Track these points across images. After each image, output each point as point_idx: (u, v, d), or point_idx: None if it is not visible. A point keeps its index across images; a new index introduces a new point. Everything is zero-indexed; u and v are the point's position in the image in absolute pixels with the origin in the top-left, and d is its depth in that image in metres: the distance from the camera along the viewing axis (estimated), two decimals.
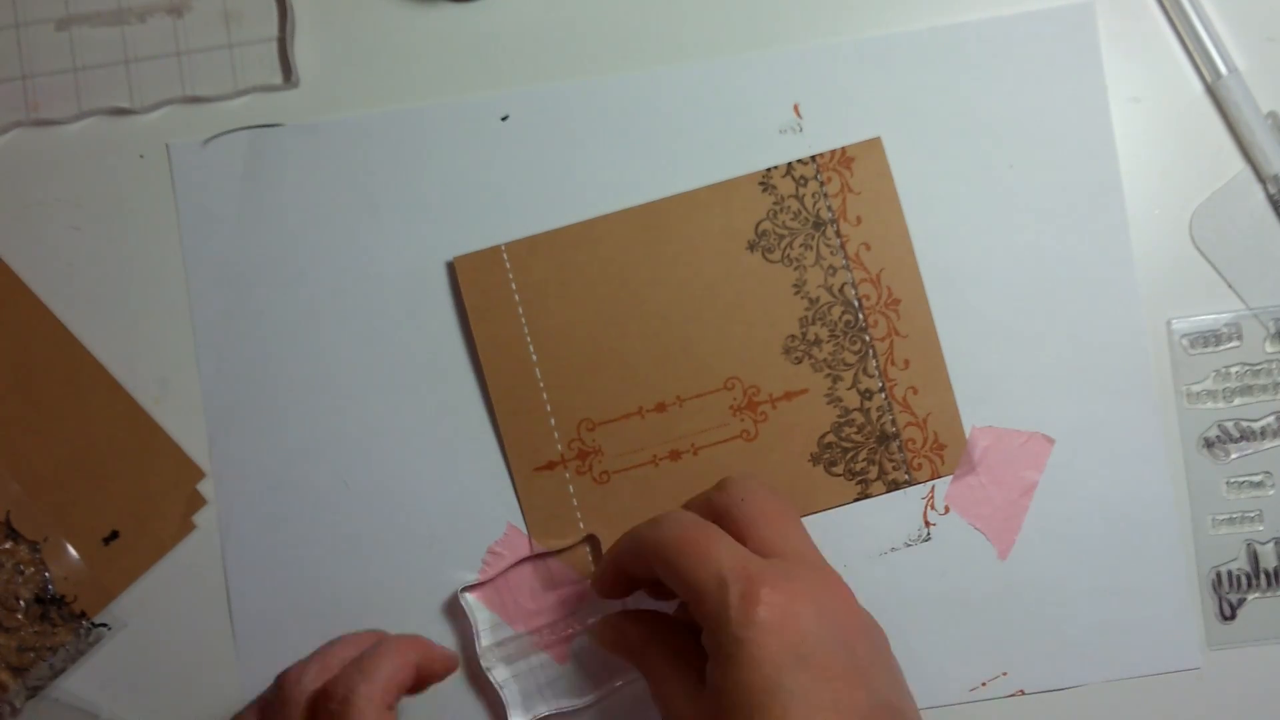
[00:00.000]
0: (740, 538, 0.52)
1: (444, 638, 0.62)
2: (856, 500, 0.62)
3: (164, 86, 0.64)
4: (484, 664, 0.61)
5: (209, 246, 0.64)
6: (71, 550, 0.62)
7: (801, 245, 0.63)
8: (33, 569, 0.62)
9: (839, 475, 0.62)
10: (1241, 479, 0.62)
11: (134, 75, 0.64)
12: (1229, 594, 0.62)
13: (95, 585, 0.62)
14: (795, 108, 0.64)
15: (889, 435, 0.62)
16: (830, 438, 0.62)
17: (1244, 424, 0.63)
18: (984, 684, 0.62)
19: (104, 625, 0.62)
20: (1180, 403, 0.63)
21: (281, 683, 0.53)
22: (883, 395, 0.62)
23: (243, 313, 0.64)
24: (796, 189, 0.63)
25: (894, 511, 0.63)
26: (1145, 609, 0.62)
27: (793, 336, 0.63)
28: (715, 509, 0.55)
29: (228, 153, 0.64)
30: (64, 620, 0.62)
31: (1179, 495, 0.62)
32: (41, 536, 0.62)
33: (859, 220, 0.63)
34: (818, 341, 0.63)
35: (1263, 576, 0.62)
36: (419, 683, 0.55)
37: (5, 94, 0.64)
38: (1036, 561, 0.62)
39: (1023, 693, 0.62)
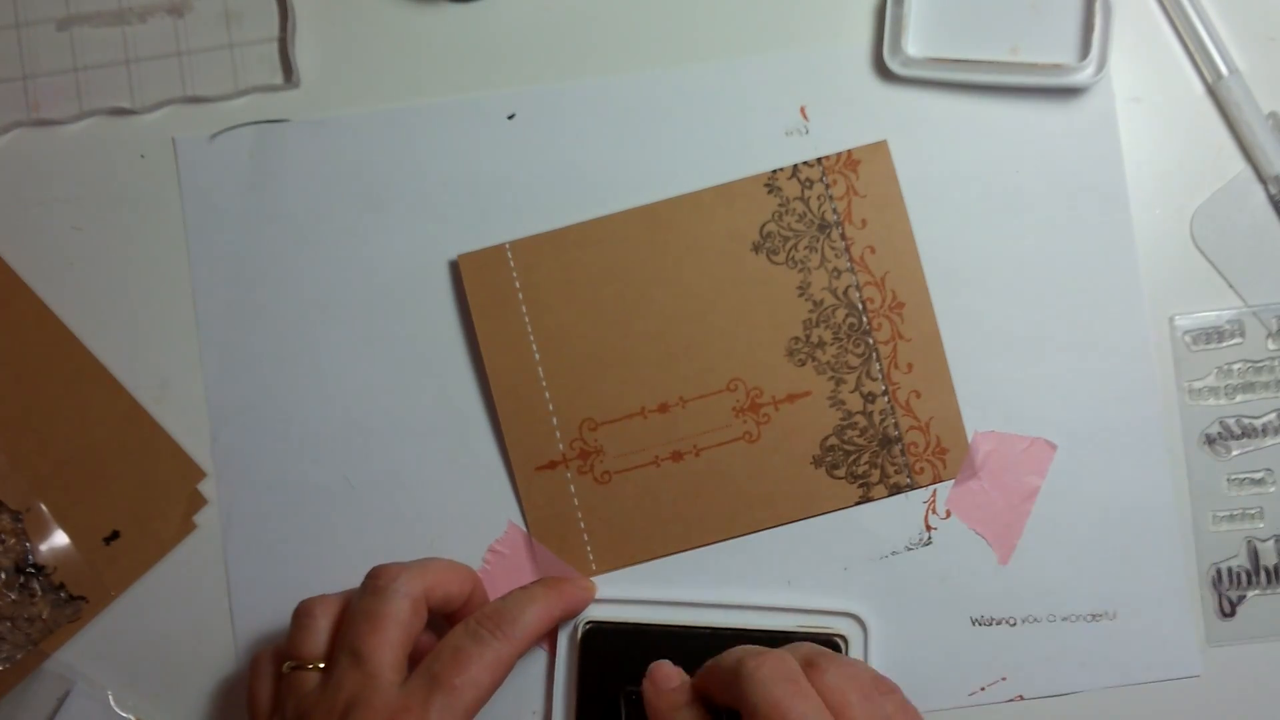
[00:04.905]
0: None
1: None
2: (858, 504, 0.62)
3: (165, 86, 0.64)
4: None
5: (214, 242, 0.64)
6: (54, 522, 0.62)
7: (806, 248, 0.63)
8: (14, 539, 0.62)
9: (841, 478, 0.62)
10: (1242, 476, 0.63)
11: (135, 75, 0.64)
12: (1229, 591, 0.62)
13: (96, 584, 0.62)
14: (802, 110, 0.63)
15: (891, 439, 0.62)
16: (833, 440, 0.62)
17: (1245, 421, 0.63)
18: (983, 689, 0.62)
19: (82, 598, 0.62)
20: (1182, 399, 0.63)
21: (378, 575, 0.57)
22: (886, 399, 0.62)
23: (246, 309, 0.64)
24: (802, 191, 0.63)
25: (895, 515, 0.63)
26: (1145, 616, 0.62)
27: (796, 339, 0.63)
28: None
29: (233, 148, 0.64)
30: (44, 591, 0.62)
31: (1180, 492, 0.62)
32: (24, 506, 0.62)
33: (864, 223, 0.63)
34: (821, 344, 0.63)
35: (1263, 574, 0.62)
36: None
37: (6, 94, 0.63)
38: (1037, 567, 0.62)
39: (1022, 698, 0.62)
